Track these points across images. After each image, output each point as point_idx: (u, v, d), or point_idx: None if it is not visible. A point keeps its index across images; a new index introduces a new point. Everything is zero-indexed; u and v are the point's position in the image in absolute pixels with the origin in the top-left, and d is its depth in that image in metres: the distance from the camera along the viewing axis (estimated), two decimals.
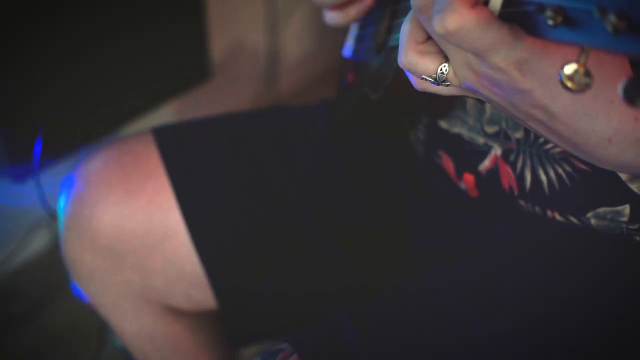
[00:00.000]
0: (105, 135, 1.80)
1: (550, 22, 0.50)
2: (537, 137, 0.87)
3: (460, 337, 0.90)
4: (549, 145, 0.86)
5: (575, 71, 0.51)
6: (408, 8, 0.66)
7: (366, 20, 1.04)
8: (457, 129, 0.96)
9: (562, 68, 0.51)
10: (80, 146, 1.68)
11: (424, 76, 0.67)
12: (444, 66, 0.66)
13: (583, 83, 0.51)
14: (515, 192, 0.92)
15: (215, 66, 2.16)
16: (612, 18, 0.44)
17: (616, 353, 0.89)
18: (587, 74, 0.51)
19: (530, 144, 0.88)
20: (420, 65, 0.67)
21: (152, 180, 1.12)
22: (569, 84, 0.51)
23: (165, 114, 2.21)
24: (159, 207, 1.11)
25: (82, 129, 1.69)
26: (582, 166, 0.85)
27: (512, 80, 0.61)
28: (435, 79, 0.67)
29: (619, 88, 0.45)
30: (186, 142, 1.17)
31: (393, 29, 0.93)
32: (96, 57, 1.67)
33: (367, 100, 0.98)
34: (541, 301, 0.91)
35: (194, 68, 2.02)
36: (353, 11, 1.01)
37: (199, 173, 1.13)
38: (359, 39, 1.06)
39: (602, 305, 0.89)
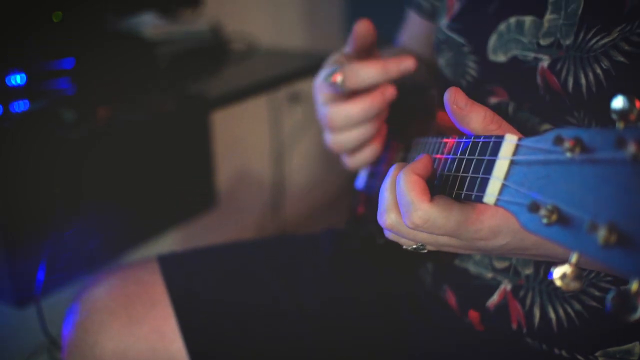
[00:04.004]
0: (111, 260, 1.80)
1: (544, 221, 0.50)
2: (546, 273, 0.87)
3: None
4: None
5: (564, 274, 0.50)
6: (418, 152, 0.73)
7: (380, 158, 1.06)
8: (464, 264, 0.97)
9: (553, 268, 0.51)
10: (84, 271, 1.68)
11: (405, 247, 0.77)
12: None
13: (572, 287, 0.50)
14: (524, 329, 0.91)
15: (221, 194, 2.19)
16: (602, 230, 0.43)
17: None
18: (578, 277, 0.50)
19: (540, 281, 0.88)
20: (402, 240, 0.76)
21: (156, 309, 1.12)
22: (559, 283, 0.51)
23: (171, 241, 2.21)
24: (162, 336, 1.10)
25: (86, 254, 1.69)
26: (593, 303, 0.85)
27: (488, 241, 0.70)
28: (415, 249, 0.76)
29: (607, 299, 0.44)
30: (191, 271, 1.17)
31: None
32: (103, 183, 1.69)
33: (373, 241, 0.99)
34: None
35: (200, 196, 2.05)
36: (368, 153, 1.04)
37: (204, 302, 1.13)
38: (372, 175, 1.08)
39: None
